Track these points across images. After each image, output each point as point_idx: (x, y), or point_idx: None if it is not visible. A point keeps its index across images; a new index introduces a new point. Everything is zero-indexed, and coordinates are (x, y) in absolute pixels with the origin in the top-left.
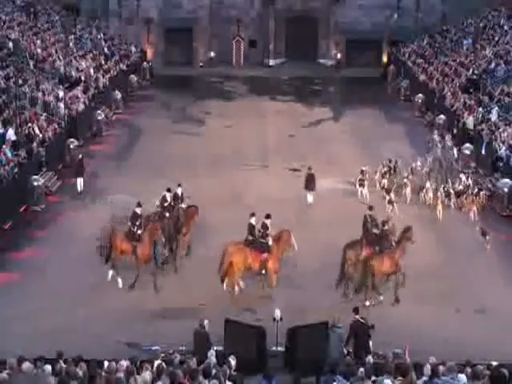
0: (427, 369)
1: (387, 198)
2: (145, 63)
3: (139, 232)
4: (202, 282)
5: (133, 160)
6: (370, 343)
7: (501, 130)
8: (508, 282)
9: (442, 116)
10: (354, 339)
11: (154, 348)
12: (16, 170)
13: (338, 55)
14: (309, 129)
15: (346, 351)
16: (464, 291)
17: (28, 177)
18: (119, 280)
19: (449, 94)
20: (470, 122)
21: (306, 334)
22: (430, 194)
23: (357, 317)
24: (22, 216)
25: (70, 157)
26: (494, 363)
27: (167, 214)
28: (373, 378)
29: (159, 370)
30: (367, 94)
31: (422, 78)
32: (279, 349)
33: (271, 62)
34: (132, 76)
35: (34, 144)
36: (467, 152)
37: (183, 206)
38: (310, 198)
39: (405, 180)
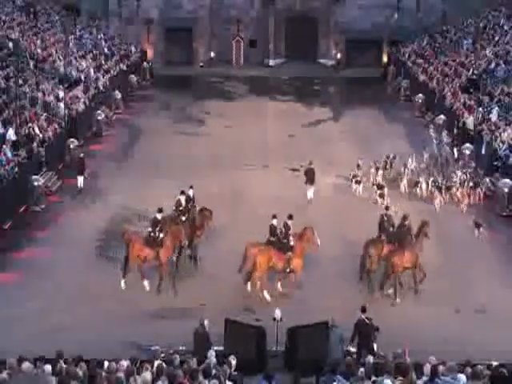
0: (427, 369)
1: (378, 191)
2: (145, 63)
3: (161, 236)
4: (202, 282)
5: (133, 160)
6: (375, 345)
7: (501, 130)
8: (508, 281)
9: (441, 116)
10: (358, 338)
11: (153, 348)
12: (16, 169)
13: (338, 55)
14: (309, 129)
15: (351, 349)
16: (464, 291)
17: (28, 177)
18: (146, 283)
19: (449, 94)
20: (470, 121)
21: (306, 333)
22: (424, 188)
23: (362, 316)
24: (22, 216)
25: (69, 157)
26: (494, 363)
27: (183, 218)
28: (373, 378)
29: (159, 370)
30: (367, 93)
31: (422, 78)
32: (279, 349)
33: (271, 62)
34: (132, 76)
35: (34, 144)
36: (467, 152)
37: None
38: (309, 192)
39: (401, 174)
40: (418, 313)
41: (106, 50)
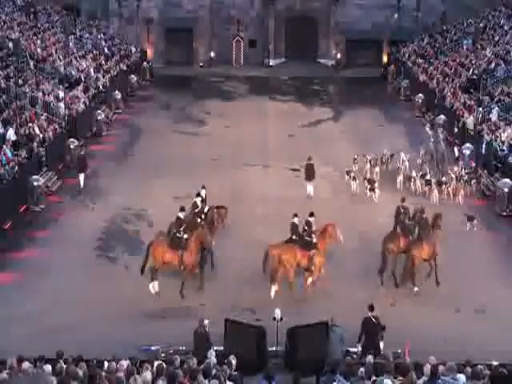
0: (427, 369)
1: (368, 186)
2: (145, 63)
3: (185, 237)
4: (197, 282)
5: (133, 160)
6: (381, 344)
7: (501, 130)
8: (508, 281)
9: (442, 116)
10: (364, 337)
11: (154, 348)
12: (16, 169)
13: (338, 55)
14: (309, 129)
15: (352, 349)
16: (464, 291)
17: (28, 177)
18: (151, 287)
19: (449, 94)
20: (470, 121)
21: (306, 333)
22: (418, 183)
23: (369, 314)
24: (22, 216)
25: (70, 157)
26: (494, 363)
27: (198, 220)
28: (373, 377)
29: (159, 370)
30: (367, 93)
31: (422, 78)
32: (279, 349)
33: (271, 62)
34: (132, 76)
35: (34, 144)
36: (467, 152)
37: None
38: (309, 188)
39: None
40: (418, 313)
41: (106, 49)
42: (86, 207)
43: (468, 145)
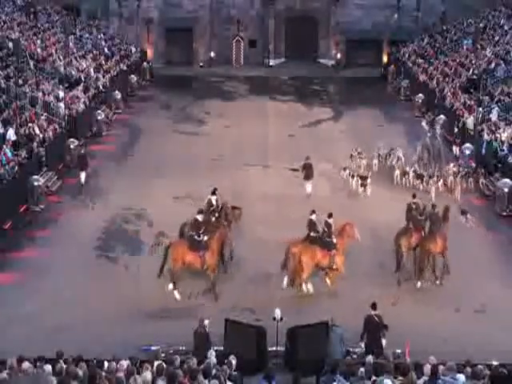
0: (427, 369)
1: (360, 181)
2: (145, 63)
3: (205, 239)
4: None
5: (133, 160)
6: (384, 342)
7: (501, 130)
8: (508, 282)
9: (442, 116)
10: (367, 335)
11: (154, 348)
12: (16, 169)
13: (338, 55)
14: (309, 129)
15: (353, 349)
16: (464, 291)
17: (28, 177)
18: (176, 293)
19: (449, 94)
20: (470, 121)
21: (306, 333)
22: (411, 178)
23: (372, 312)
24: (22, 216)
25: (70, 157)
26: (494, 363)
27: (213, 218)
28: (373, 377)
29: (159, 370)
30: (367, 93)
31: (422, 78)
32: (279, 349)
33: (271, 62)
34: (132, 76)
35: (34, 144)
36: (467, 152)
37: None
38: (308, 187)
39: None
40: (418, 313)
41: (106, 49)
42: (86, 207)
43: (468, 145)
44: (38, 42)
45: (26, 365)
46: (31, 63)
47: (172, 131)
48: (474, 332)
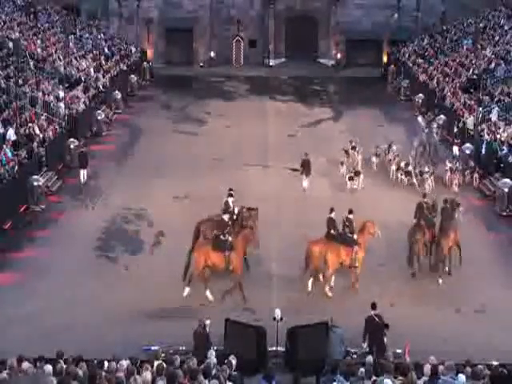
0: (427, 369)
1: (348, 175)
2: (145, 63)
3: (230, 239)
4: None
5: (133, 160)
6: (385, 340)
7: (501, 130)
8: (508, 282)
9: (442, 116)
10: (369, 335)
11: (154, 348)
12: (16, 169)
13: (338, 55)
14: (309, 129)
15: (364, 346)
16: (464, 291)
17: (28, 177)
18: (208, 293)
19: (449, 94)
20: (470, 121)
21: (306, 333)
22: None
23: (372, 313)
24: (22, 216)
25: (70, 157)
26: (494, 363)
27: (227, 219)
28: (373, 377)
29: (159, 370)
30: (367, 94)
31: (422, 78)
32: (279, 349)
33: (271, 62)
34: (132, 76)
35: (34, 144)
36: (467, 152)
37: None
38: (305, 183)
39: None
40: (418, 313)
41: (106, 49)
42: (86, 207)
43: (468, 145)
44: (38, 41)
45: (25, 365)
46: (31, 63)
47: (172, 131)
48: (474, 332)
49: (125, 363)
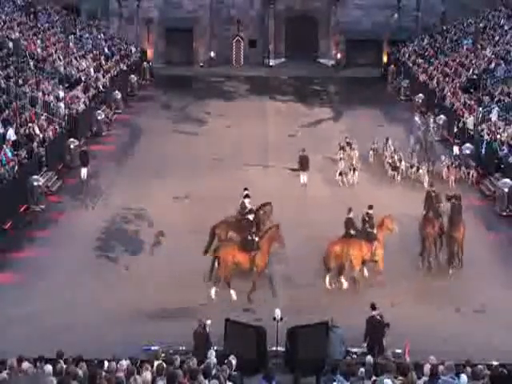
0: (427, 369)
1: (339, 170)
2: (145, 63)
3: (257, 239)
4: (202, 282)
5: (133, 160)
6: (384, 341)
7: (501, 130)
8: (508, 282)
9: (442, 116)
10: (370, 335)
11: (154, 348)
12: (16, 169)
13: (338, 55)
14: (309, 129)
15: (363, 347)
16: (464, 291)
17: (28, 177)
18: (233, 292)
19: (449, 94)
20: (470, 121)
21: (305, 333)
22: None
23: (373, 313)
24: (22, 216)
25: (70, 157)
26: (494, 363)
27: (252, 219)
28: (373, 377)
29: (159, 370)
30: (367, 94)
31: (422, 78)
32: (279, 349)
33: (271, 62)
34: (132, 76)
35: (34, 144)
36: (467, 152)
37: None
38: (303, 178)
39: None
40: (418, 313)
41: (106, 49)
42: (86, 207)
43: (468, 145)
44: (38, 42)
45: (25, 365)
46: (31, 63)
47: (172, 131)
48: (474, 332)
49: (125, 363)
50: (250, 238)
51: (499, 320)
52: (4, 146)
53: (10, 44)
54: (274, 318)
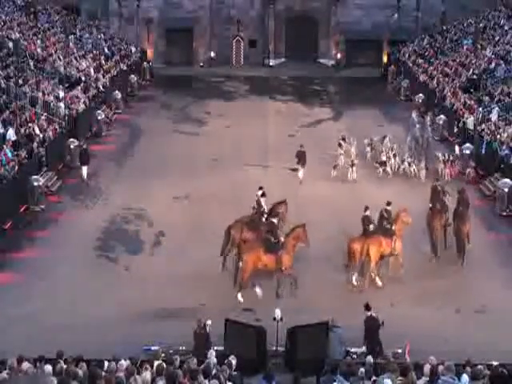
0: (427, 369)
1: (333, 164)
2: (145, 63)
3: (282, 239)
4: (202, 282)
5: (133, 160)
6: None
7: (501, 130)
8: (508, 282)
9: (442, 116)
10: (368, 335)
11: (153, 348)
12: (16, 169)
13: (338, 55)
14: (309, 129)
15: (363, 348)
16: (464, 291)
17: (28, 177)
18: (258, 290)
19: (449, 94)
20: (470, 121)
21: (305, 333)
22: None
23: (369, 313)
24: (22, 216)
25: (70, 157)
26: (494, 363)
27: (263, 219)
28: (373, 377)
29: (159, 370)
30: (367, 94)
31: (422, 78)
32: (279, 349)
33: (271, 62)
34: (132, 76)
35: (34, 144)
36: (467, 152)
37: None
38: (300, 173)
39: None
40: (418, 313)
41: (106, 49)
42: (86, 207)
43: (468, 145)
44: (38, 42)
45: (25, 365)
46: (31, 63)
47: (172, 131)
48: (474, 332)
49: (125, 363)
50: (274, 240)
51: (499, 320)
52: (4, 146)
53: (10, 44)
54: (274, 318)
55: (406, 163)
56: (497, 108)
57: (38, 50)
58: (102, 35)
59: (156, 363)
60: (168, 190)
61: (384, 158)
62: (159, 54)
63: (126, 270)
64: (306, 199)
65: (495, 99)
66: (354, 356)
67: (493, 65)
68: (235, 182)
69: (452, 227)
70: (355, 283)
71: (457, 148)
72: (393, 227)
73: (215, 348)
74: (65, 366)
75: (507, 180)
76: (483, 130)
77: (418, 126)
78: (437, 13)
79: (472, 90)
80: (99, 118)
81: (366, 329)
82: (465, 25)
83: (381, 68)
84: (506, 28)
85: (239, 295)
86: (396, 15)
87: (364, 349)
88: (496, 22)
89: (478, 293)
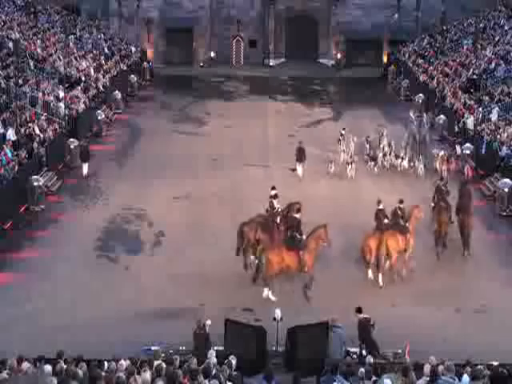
0: (427, 369)
1: (329, 159)
2: (145, 63)
3: (304, 238)
4: (202, 282)
5: (133, 160)
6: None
7: (501, 130)
8: (508, 282)
9: (442, 116)
10: (364, 337)
11: (153, 348)
12: (16, 169)
13: (338, 55)
14: (309, 129)
15: (362, 351)
16: (464, 291)
17: (28, 177)
18: (270, 294)
19: (449, 94)
20: (470, 122)
21: (306, 333)
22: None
23: (361, 316)
24: (22, 216)
25: (70, 157)
26: (494, 363)
27: (278, 220)
28: (373, 378)
29: (159, 370)
30: (367, 94)
31: (422, 78)
32: (279, 349)
33: (271, 62)
34: (132, 76)
35: (34, 144)
36: (467, 152)
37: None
38: (299, 169)
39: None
40: (418, 313)
41: (106, 49)
42: (86, 207)
43: (468, 145)
44: (38, 42)
45: (25, 365)
46: (31, 63)
47: (172, 131)
48: (474, 332)
49: (125, 363)
50: (298, 236)
51: (499, 320)
52: (4, 146)
53: (10, 44)
54: (274, 318)
55: (400, 159)
56: (497, 108)
57: (38, 49)
58: (102, 35)
59: (156, 363)
60: (168, 189)
61: (380, 154)
62: (159, 54)
63: (126, 270)
64: (306, 198)
65: (495, 99)
66: (354, 356)
67: (493, 65)
68: (235, 182)
69: (457, 220)
70: (372, 278)
71: (458, 148)
72: (407, 224)
73: (215, 348)
74: (65, 366)
75: (507, 180)
76: (483, 129)
77: (415, 123)
78: (437, 13)
79: (472, 90)
80: (99, 118)
81: (360, 331)
82: (465, 25)
83: (381, 68)
84: (506, 28)
85: (270, 293)
86: (396, 15)
87: (363, 351)
88: (496, 21)
89: (477, 292)
